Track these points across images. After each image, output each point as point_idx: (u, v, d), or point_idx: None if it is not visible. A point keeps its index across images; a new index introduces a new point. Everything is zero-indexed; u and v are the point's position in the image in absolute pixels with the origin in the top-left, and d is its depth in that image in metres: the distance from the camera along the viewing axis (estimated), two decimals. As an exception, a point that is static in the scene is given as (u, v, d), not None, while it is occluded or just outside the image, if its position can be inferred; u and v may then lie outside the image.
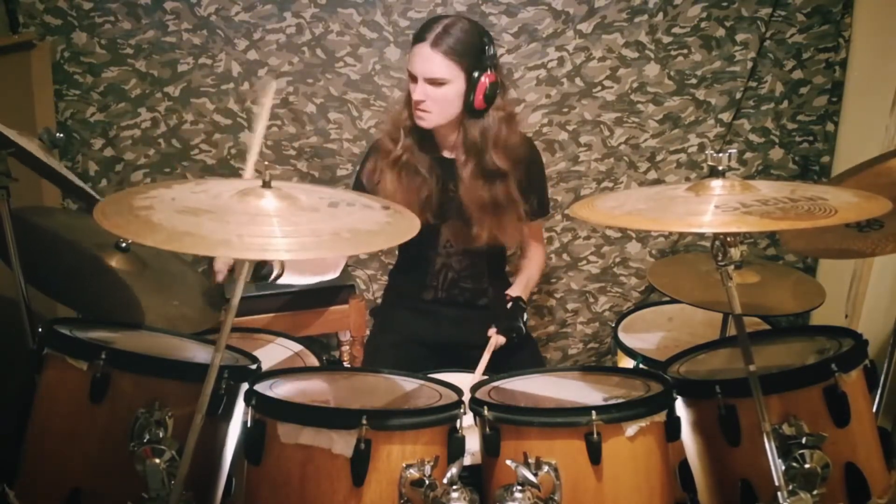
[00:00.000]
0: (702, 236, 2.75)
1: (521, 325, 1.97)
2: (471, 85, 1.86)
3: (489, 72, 1.87)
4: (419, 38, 1.85)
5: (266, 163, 1.26)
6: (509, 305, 2.00)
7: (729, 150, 1.32)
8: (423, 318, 2.11)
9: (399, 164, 1.95)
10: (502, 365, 1.87)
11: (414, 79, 1.87)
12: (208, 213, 1.16)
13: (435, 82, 1.84)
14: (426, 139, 1.98)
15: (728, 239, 1.24)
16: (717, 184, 1.29)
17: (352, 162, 2.60)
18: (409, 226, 1.28)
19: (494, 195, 1.95)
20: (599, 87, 2.57)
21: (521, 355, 2.03)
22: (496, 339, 1.93)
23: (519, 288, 2.11)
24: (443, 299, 2.11)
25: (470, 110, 1.89)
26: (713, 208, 1.22)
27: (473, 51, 1.85)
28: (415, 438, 1.32)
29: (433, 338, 2.10)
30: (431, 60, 1.83)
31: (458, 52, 1.84)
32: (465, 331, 2.07)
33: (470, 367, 1.87)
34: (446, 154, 2.00)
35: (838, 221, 1.17)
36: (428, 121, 1.89)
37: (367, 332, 2.35)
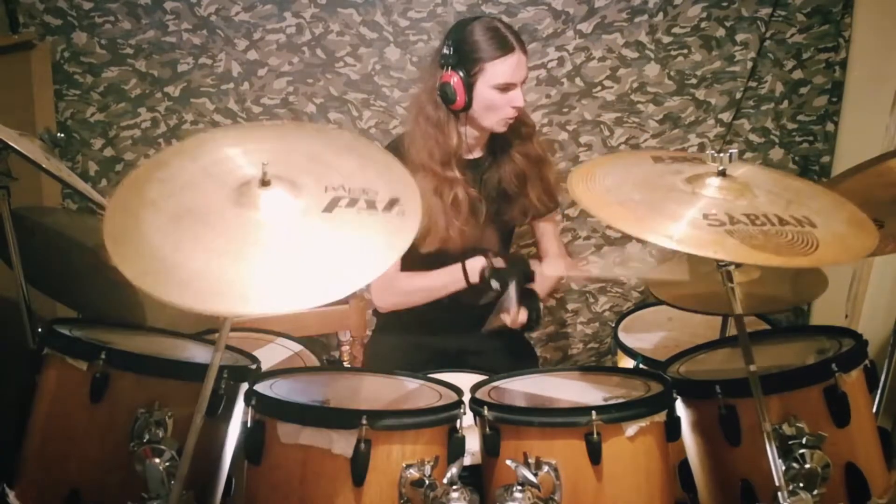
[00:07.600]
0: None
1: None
2: None
3: None
4: (505, 48, 1.83)
5: (265, 163, 1.26)
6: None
7: (729, 150, 1.32)
8: (428, 319, 2.10)
9: (451, 193, 1.91)
10: (502, 365, 1.86)
11: (506, 89, 1.84)
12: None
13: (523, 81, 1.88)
14: (464, 162, 1.97)
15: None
16: (713, 182, 1.28)
17: (352, 162, 2.59)
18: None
19: (529, 154, 2.01)
20: (599, 87, 2.56)
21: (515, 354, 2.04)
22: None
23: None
24: (446, 302, 2.09)
25: None
26: (695, 218, 1.20)
27: None
28: (415, 438, 1.32)
29: (436, 338, 2.09)
30: (524, 63, 1.87)
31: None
32: (471, 334, 2.05)
33: (471, 369, 1.86)
34: (473, 156, 2.00)
35: (814, 264, 1.17)
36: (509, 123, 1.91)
37: (369, 332, 2.35)
